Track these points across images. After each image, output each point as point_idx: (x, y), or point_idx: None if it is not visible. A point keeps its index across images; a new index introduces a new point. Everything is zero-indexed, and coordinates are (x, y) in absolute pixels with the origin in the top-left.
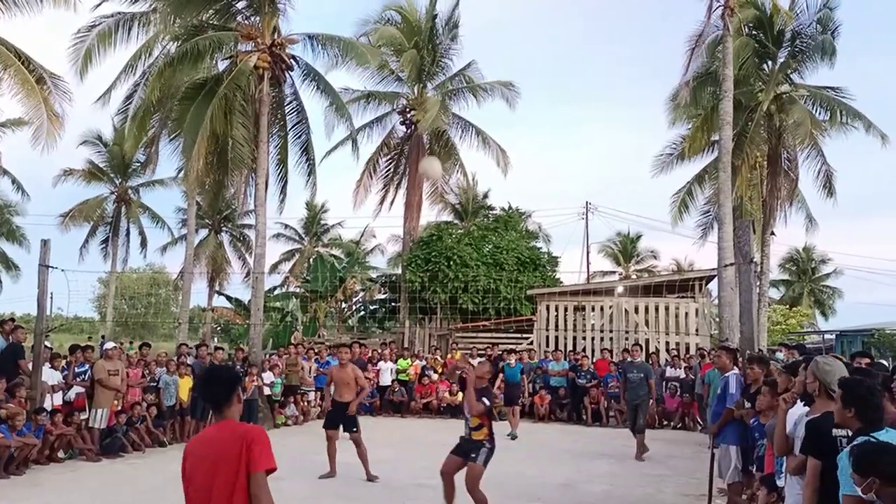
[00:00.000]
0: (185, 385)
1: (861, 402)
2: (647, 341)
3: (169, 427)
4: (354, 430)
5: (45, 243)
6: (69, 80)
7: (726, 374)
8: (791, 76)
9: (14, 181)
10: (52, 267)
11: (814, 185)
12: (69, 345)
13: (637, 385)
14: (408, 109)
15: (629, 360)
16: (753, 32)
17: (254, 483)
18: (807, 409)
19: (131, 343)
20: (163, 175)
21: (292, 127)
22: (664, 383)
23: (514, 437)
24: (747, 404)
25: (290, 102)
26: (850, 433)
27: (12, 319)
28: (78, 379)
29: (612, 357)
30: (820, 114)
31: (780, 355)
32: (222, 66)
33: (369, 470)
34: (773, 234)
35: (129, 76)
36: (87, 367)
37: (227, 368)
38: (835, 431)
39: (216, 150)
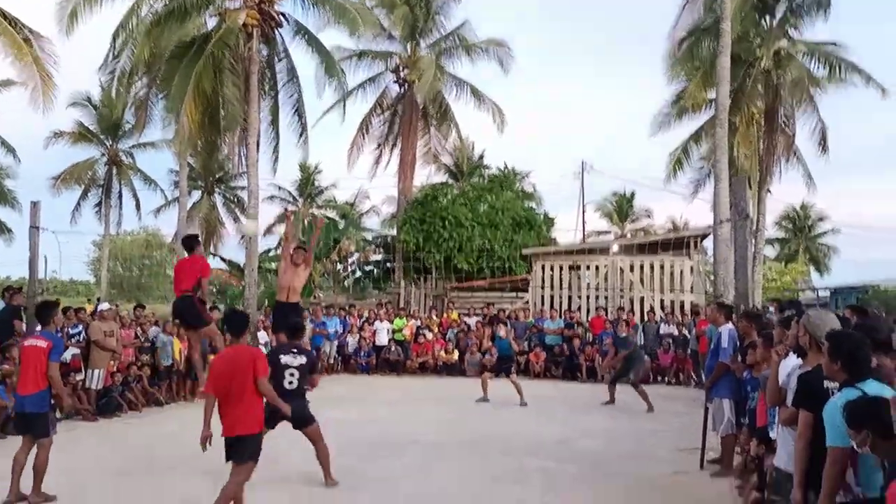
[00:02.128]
0: (179, 346)
1: (848, 355)
2: (641, 299)
3: (165, 387)
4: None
5: (34, 205)
6: (55, 41)
7: (719, 329)
8: (789, 32)
9: (4, 143)
10: (42, 228)
11: (810, 142)
12: (62, 307)
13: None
14: (401, 68)
15: (621, 334)
16: None
17: (260, 384)
18: (799, 361)
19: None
20: (154, 137)
21: (283, 86)
22: (659, 340)
23: (524, 403)
24: (740, 359)
25: (281, 61)
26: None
27: (16, 287)
28: (72, 340)
29: (606, 315)
30: (817, 70)
31: (772, 311)
32: (211, 23)
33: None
34: (768, 190)
35: (120, 36)
36: (80, 328)
37: (243, 311)
38: (826, 384)
39: (207, 110)
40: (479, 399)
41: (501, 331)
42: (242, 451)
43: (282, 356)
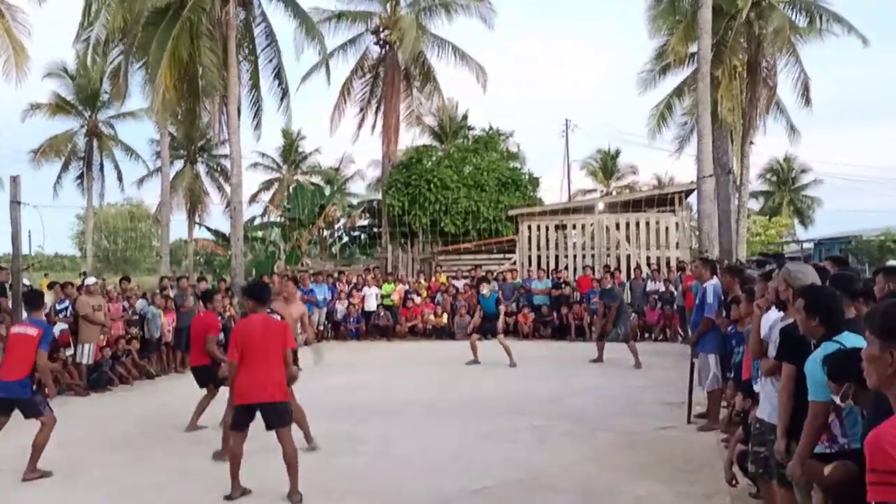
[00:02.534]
0: (166, 318)
1: (826, 309)
2: (628, 257)
3: (156, 359)
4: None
5: (13, 179)
6: (28, 10)
7: (704, 285)
8: None
9: None
10: (23, 203)
11: (792, 94)
12: (48, 282)
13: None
14: (381, 29)
15: (606, 286)
16: None
17: (287, 355)
18: (781, 314)
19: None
20: (134, 106)
21: (262, 50)
22: (645, 297)
23: (513, 364)
24: (724, 314)
25: (259, 25)
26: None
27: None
28: (59, 316)
29: (594, 274)
30: (799, 20)
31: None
32: None
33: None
34: (751, 143)
35: (94, 2)
36: (67, 303)
37: (265, 281)
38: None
39: (185, 77)
40: (470, 362)
41: (484, 289)
42: (284, 415)
43: None
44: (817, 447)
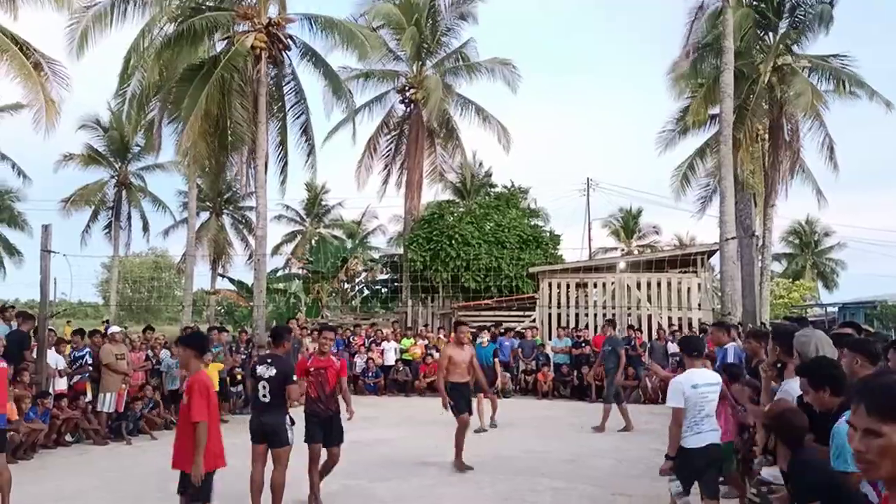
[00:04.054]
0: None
1: (832, 379)
2: (649, 317)
3: (175, 410)
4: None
5: (45, 228)
6: (67, 64)
7: (724, 347)
8: (792, 47)
9: (14, 166)
10: (53, 252)
11: (818, 157)
12: (71, 330)
13: (606, 357)
14: (407, 88)
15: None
16: (754, 3)
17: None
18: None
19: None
20: (164, 159)
21: (291, 107)
22: (667, 357)
23: (493, 425)
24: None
25: (289, 83)
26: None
27: (12, 306)
28: (75, 365)
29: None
30: (821, 84)
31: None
32: (220, 46)
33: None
34: (772, 205)
35: (131, 58)
36: (85, 351)
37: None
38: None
39: (216, 131)
40: (477, 430)
41: (483, 337)
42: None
43: (258, 367)
44: None
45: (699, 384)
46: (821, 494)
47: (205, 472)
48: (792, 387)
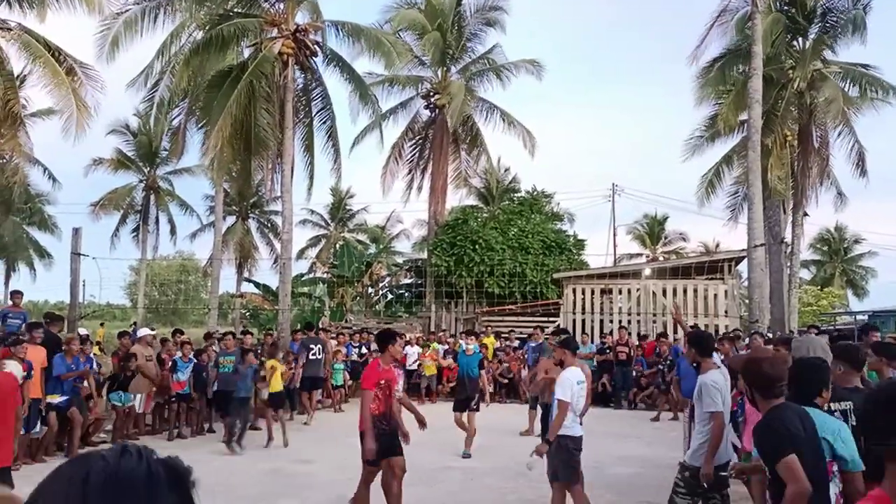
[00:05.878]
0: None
1: (796, 379)
2: (674, 324)
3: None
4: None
5: (76, 232)
6: (100, 69)
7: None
8: (823, 53)
9: (45, 170)
10: (83, 255)
11: (846, 164)
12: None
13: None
14: (431, 93)
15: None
16: (784, 8)
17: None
18: None
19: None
20: (191, 163)
21: (317, 113)
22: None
23: (466, 455)
24: None
25: (315, 88)
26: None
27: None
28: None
29: (638, 340)
30: (851, 90)
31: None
32: (247, 53)
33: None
34: (805, 214)
35: (158, 63)
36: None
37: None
38: (832, 405)
39: (242, 136)
40: (463, 454)
41: (469, 343)
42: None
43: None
44: None
45: (582, 381)
46: (795, 441)
47: None
48: (711, 378)
